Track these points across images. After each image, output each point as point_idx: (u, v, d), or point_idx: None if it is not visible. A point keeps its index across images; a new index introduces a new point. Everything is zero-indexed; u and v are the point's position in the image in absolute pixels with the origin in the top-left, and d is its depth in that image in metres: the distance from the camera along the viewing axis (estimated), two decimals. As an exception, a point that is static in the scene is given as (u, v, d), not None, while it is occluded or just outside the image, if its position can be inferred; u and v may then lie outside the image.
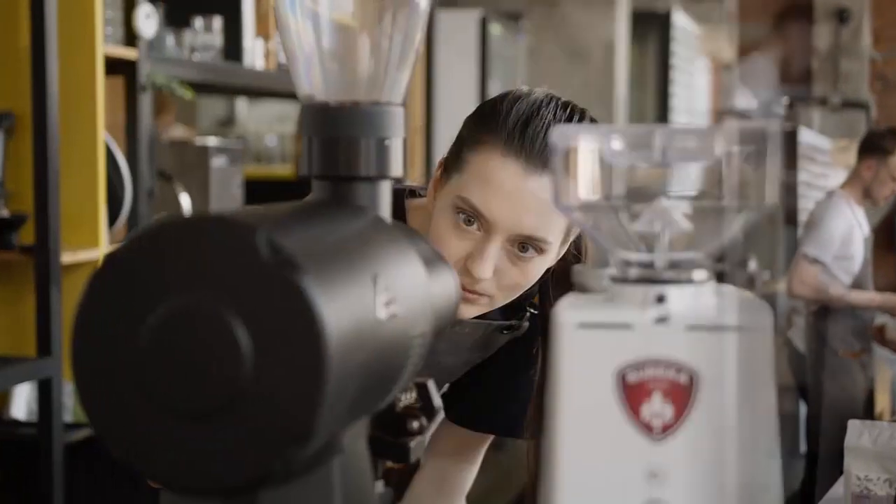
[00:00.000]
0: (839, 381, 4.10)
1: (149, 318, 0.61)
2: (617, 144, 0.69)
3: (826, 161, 7.25)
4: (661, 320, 0.67)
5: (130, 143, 2.63)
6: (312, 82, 0.79)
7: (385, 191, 0.79)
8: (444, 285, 0.85)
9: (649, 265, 0.70)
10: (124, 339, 0.61)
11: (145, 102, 2.65)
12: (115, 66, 2.60)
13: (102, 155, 2.46)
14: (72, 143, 2.43)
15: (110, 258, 0.61)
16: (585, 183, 0.70)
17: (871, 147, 4.22)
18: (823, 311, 4.17)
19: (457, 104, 5.17)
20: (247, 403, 0.60)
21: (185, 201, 2.90)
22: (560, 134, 0.69)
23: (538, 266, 1.25)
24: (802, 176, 6.68)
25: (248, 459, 0.60)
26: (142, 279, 0.61)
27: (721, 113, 8.75)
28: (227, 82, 3.13)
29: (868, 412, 4.18)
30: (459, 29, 5.17)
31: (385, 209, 0.79)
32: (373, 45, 0.79)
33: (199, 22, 2.99)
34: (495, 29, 5.30)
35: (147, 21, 2.60)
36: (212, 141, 3.16)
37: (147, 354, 0.61)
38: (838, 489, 2.05)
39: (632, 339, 0.67)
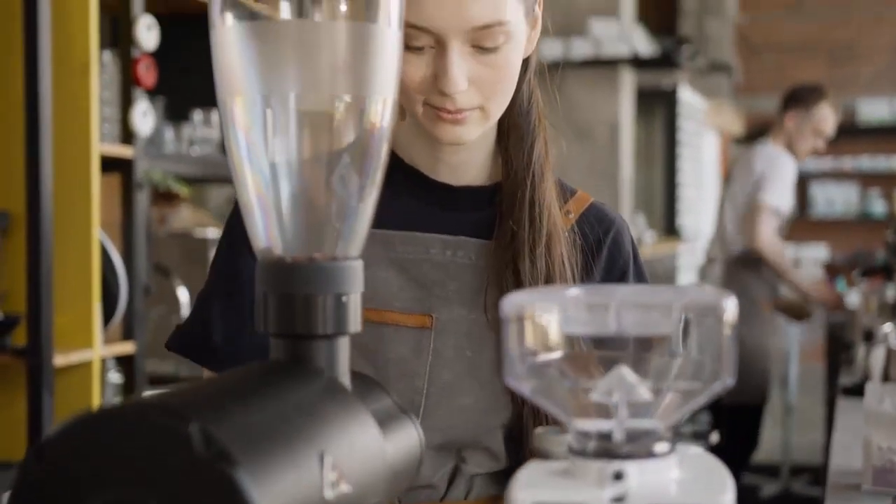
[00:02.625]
0: (754, 330, 4.06)
1: (78, 512, 0.58)
2: (572, 313, 0.67)
3: (701, 120, 7.32)
4: (619, 500, 0.64)
5: (126, 240, 2.62)
6: (269, 236, 0.77)
7: (343, 348, 0.76)
8: (404, 442, 0.82)
9: (608, 435, 0.68)
10: (53, 533, 0.59)
11: (142, 199, 2.64)
12: (111, 164, 2.60)
13: (97, 254, 2.45)
14: (66, 242, 2.42)
15: (39, 449, 0.59)
16: (539, 351, 0.68)
17: (795, 99, 4.25)
18: (746, 259, 4.15)
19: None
20: None
21: (184, 296, 2.89)
22: (511, 303, 0.67)
23: (511, 54, 1.14)
24: (679, 135, 6.75)
25: None
26: (70, 471, 0.59)
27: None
28: (226, 176, 3.13)
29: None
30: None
31: (343, 367, 0.76)
32: (329, 199, 0.77)
33: (197, 115, 3.00)
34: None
35: (144, 119, 2.60)
36: (211, 232, 3.15)
37: (76, 550, 0.58)
38: (854, 461, 1.90)
39: (588, 520, 0.64)
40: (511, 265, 1.19)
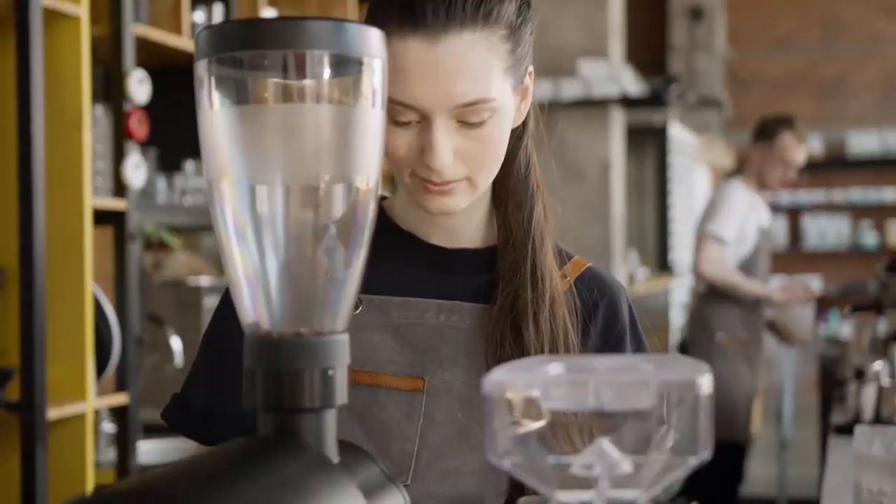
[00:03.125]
0: (718, 369, 4.02)
1: None
2: (553, 390, 0.69)
3: (692, 155, 7.37)
4: (600, 574, 0.66)
5: (119, 291, 2.64)
6: (256, 311, 0.79)
7: (330, 420, 0.78)
8: (392, 512, 0.84)
9: (590, 508, 0.69)
10: None
11: (134, 251, 2.66)
12: (104, 216, 2.62)
13: (90, 307, 2.47)
14: (59, 296, 2.43)
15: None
16: (520, 427, 0.70)
17: (759, 133, 4.29)
18: (709, 295, 4.15)
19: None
20: None
21: (177, 345, 2.90)
22: (492, 382, 0.68)
23: (497, 128, 1.15)
24: (669, 171, 6.78)
25: None
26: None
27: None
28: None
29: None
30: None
31: (330, 439, 0.78)
32: (315, 276, 0.79)
33: (189, 165, 3.02)
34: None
35: (136, 171, 2.63)
36: (205, 280, 3.17)
37: None
38: (846, 502, 1.90)
39: None
40: (514, 329, 1.19)
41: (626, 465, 0.69)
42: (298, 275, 0.79)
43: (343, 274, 0.79)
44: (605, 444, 0.70)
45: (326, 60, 0.76)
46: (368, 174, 0.79)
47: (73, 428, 2.45)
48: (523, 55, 1.18)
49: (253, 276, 0.78)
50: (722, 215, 4.11)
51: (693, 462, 0.68)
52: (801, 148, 4.24)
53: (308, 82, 0.75)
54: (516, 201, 1.26)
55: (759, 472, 6.52)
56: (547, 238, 1.25)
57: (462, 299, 1.23)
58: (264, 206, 0.77)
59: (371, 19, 1.15)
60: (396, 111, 1.11)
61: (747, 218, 4.17)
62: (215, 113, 0.77)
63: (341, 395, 0.78)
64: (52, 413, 2.37)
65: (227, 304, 1.28)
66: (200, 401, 1.25)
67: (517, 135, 1.24)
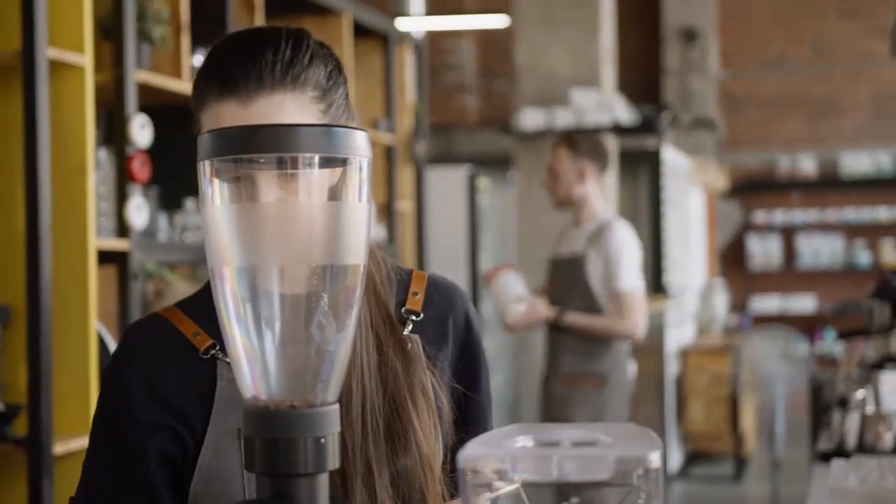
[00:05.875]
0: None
1: None
2: (520, 463, 0.77)
3: (686, 177, 7.43)
4: None
5: (123, 329, 2.72)
6: (255, 385, 0.87)
7: (323, 484, 0.86)
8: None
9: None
10: None
11: (136, 290, 2.75)
12: (107, 256, 2.70)
13: (95, 345, 2.55)
14: (65, 334, 2.52)
15: None
16: (491, 495, 0.78)
17: None
18: None
19: (449, 260, 5.34)
20: None
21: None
22: (466, 456, 0.77)
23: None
24: (663, 194, 6.82)
25: None
26: None
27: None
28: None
29: None
30: (449, 184, 5.34)
31: (322, 500, 0.86)
32: (307, 354, 0.88)
33: (190, 203, 3.11)
34: (483, 182, 5.44)
35: (138, 213, 2.71)
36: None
37: None
38: None
39: None
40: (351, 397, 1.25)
41: (587, 527, 0.78)
42: (293, 351, 0.87)
43: (334, 348, 0.88)
44: (569, 509, 0.78)
45: (316, 161, 0.85)
46: (357, 256, 0.88)
47: (79, 462, 2.52)
48: (337, 117, 1.26)
49: (252, 353, 0.87)
50: None
51: (644, 527, 0.77)
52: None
53: (300, 181, 0.84)
54: None
55: (752, 492, 6.59)
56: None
57: None
58: (261, 290, 0.86)
59: (196, 89, 1.24)
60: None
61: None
62: (216, 208, 0.86)
63: (333, 460, 0.86)
64: (59, 448, 2.45)
65: (115, 395, 1.30)
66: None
67: None
